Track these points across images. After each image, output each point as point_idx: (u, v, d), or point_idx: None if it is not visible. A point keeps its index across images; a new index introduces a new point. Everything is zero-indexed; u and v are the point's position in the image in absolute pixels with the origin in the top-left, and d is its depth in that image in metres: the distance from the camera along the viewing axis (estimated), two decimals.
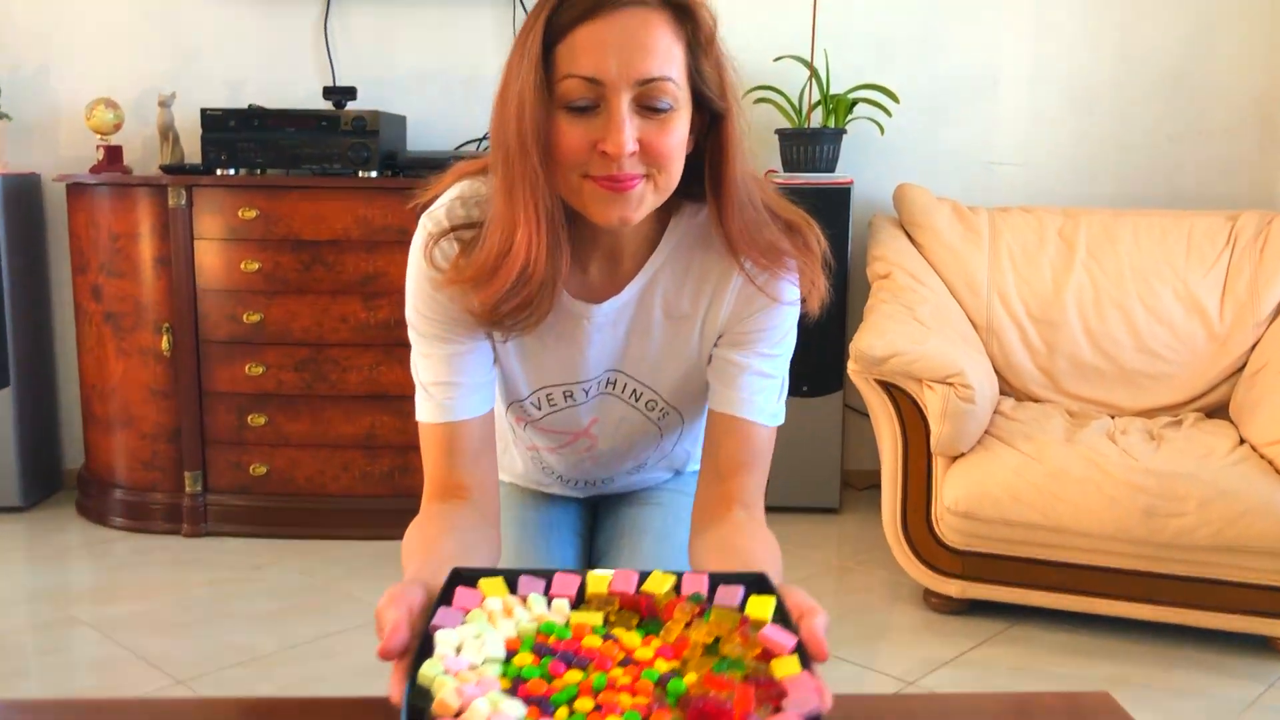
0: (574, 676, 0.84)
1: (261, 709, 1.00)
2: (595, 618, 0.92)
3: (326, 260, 2.87)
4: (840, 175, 3.05)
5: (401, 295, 1.19)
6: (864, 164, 3.24)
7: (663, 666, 0.84)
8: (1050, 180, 3.28)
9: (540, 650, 0.87)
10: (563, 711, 0.80)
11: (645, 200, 1.08)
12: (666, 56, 1.05)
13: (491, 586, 0.94)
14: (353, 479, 2.96)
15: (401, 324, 1.20)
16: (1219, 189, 3.22)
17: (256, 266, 2.88)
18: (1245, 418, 2.59)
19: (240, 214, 2.86)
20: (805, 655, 0.84)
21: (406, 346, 1.19)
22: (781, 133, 3.07)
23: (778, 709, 0.80)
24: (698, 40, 1.08)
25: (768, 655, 0.86)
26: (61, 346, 3.39)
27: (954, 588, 2.48)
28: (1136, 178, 3.26)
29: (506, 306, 1.11)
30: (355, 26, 3.26)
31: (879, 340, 2.46)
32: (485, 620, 0.90)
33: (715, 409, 1.22)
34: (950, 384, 2.38)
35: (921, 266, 2.90)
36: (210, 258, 2.90)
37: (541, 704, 0.81)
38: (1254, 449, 2.45)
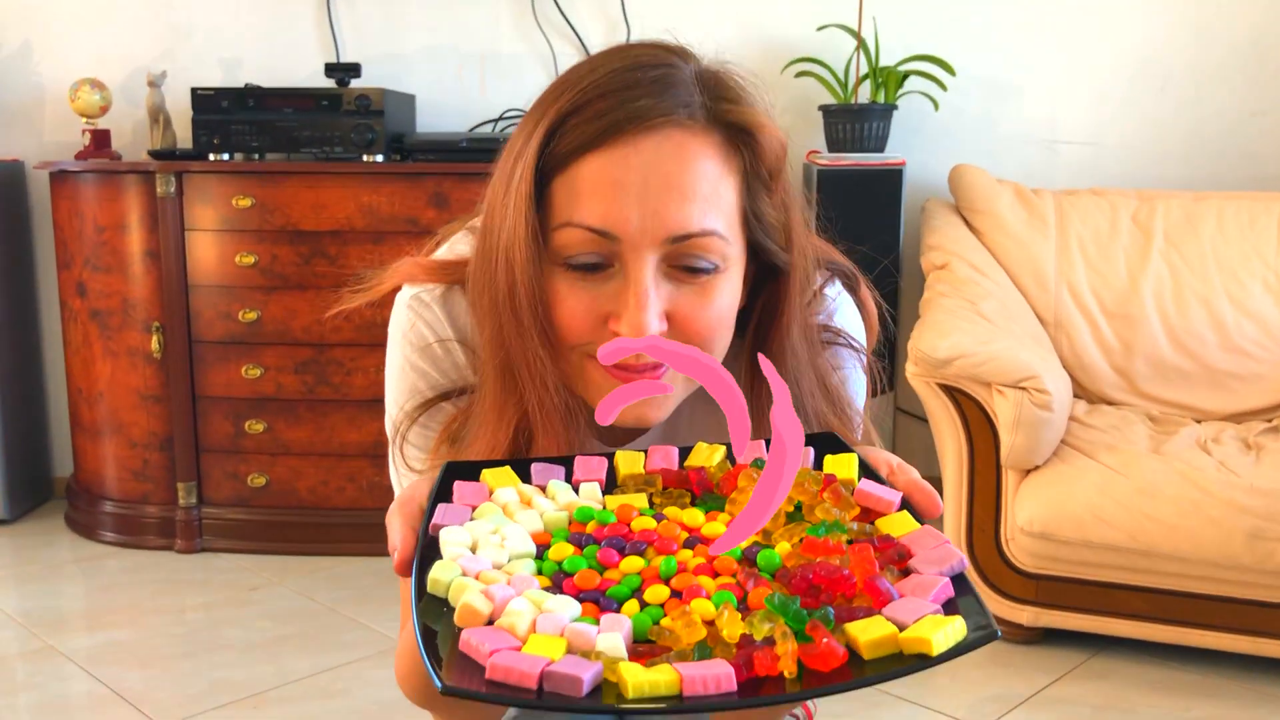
0: (633, 564, 0.64)
1: None
2: (639, 500, 0.71)
3: (329, 252, 2.63)
4: (891, 155, 2.78)
5: None
6: (917, 143, 2.96)
7: (743, 541, 0.63)
8: (1121, 161, 2.99)
9: (580, 541, 0.67)
10: (631, 605, 0.61)
11: (668, 400, 0.80)
12: (711, 200, 0.75)
13: (498, 477, 0.73)
14: (359, 491, 2.72)
15: None
16: None
17: (252, 260, 2.63)
18: None
19: (235, 203, 2.62)
20: (914, 511, 0.67)
21: None
22: (826, 109, 2.80)
23: (905, 572, 0.62)
24: (757, 173, 0.79)
25: (867, 515, 0.68)
26: (49, 347, 3.17)
27: (1026, 615, 2.22)
28: (1216, 158, 2.97)
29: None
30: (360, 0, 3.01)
31: (942, 340, 2.19)
32: (499, 514, 0.69)
33: None
34: (1024, 389, 2.11)
35: (982, 256, 2.63)
36: (203, 250, 2.66)
37: (599, 600, 0.61)
38: None
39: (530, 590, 0.61)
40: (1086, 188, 2.82)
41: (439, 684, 0.53)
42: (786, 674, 0.54)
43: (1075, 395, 2.57)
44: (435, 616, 0.59)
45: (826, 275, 0.93)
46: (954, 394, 2.23)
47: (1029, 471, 2.20)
